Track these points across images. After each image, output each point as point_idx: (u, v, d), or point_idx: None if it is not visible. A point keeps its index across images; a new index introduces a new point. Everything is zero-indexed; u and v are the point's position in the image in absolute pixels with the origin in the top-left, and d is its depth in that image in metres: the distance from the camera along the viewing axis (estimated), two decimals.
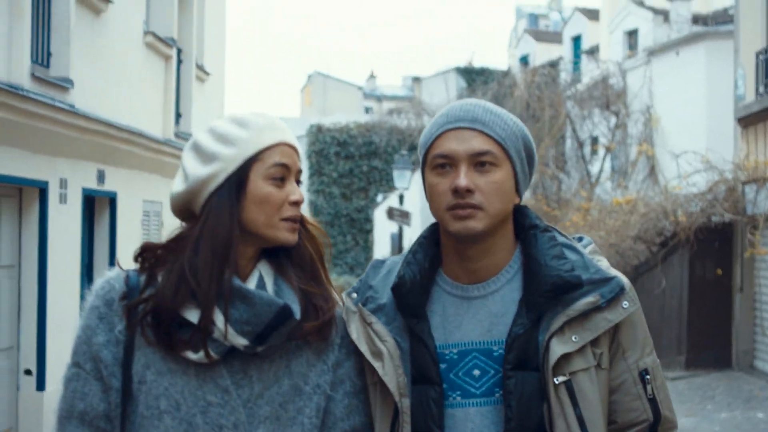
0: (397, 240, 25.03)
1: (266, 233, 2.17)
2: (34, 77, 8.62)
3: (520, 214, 2.27)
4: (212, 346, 2.12)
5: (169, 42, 12.79)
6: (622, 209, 17.06)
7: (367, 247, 36.20)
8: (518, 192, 2.21)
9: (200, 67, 15.03)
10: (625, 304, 2.14)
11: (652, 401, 2.19)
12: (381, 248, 32.83)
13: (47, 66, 9.24)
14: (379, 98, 59.71)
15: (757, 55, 14.77)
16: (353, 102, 57.79)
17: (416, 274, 2.21)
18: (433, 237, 2.29)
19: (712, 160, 15.77)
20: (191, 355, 2.11)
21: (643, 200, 17.12)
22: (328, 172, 36.65)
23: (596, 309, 2.12)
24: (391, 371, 2.17)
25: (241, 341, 2.11)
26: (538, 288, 2.14)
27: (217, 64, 16.50)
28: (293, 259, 2.23)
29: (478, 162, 2.14)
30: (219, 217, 2.13)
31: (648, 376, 2.19)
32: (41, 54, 9.15)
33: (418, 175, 28.74)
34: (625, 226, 16.42)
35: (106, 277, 2.25)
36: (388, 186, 34.28)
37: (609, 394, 2.18)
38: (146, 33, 12.05)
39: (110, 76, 10.86)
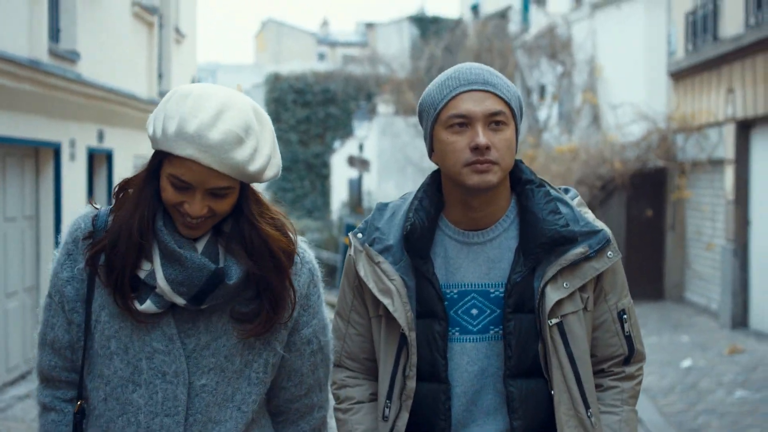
0: (357, 185, 25.74)
1: (173, 217, 2.16)
2: (50, 52, 9.76)
3: (515, 167, 2.39)
4: (155, 299, 2.13)
5: (151, 10, 13.86)
6: (564, 157, 18.12)
7: (325, 192, 36.22)
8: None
9: (177, 30, 16.11)
10: (610, 254, 2.31)
11: (628, 338, 2.38)
12: (338, 193, 32.98)
13: (57, 41, 10.36)
14: (333, 44, 59.93)
15: (687, 15, 15.74)
16: (307, 48, 57.97)
17: (424, 220, 2.33)
18: (434, 184, 2.40)
19: (646, 112, 16.88)
20: (138, 306, 2.13)
21: (584, 148, 18.06)
22: (286, 118, 36.32)
23: (585, 258, 2.29)
24: (400, 307, 2.30)
25: (179, 300, 2.12)
26: (535, 240, 2.29)
27: (190, 25, 17.56)
28: (245, 243, 2.19)
29: (493, 121, 2.25)
30: (144, 185, 2.16)
31: (625, 316, 2.38)
32: (52, 30, 10.23)
33: (375, 123, 29.63)
34: (569, 172, 17.30)
35: (78, 214, 2.26)
36: (345, 132, 34.35)
37: (591, 331, 2.38)
38: (133, 4, 13.11)
39: (107, 45, 11.96)
